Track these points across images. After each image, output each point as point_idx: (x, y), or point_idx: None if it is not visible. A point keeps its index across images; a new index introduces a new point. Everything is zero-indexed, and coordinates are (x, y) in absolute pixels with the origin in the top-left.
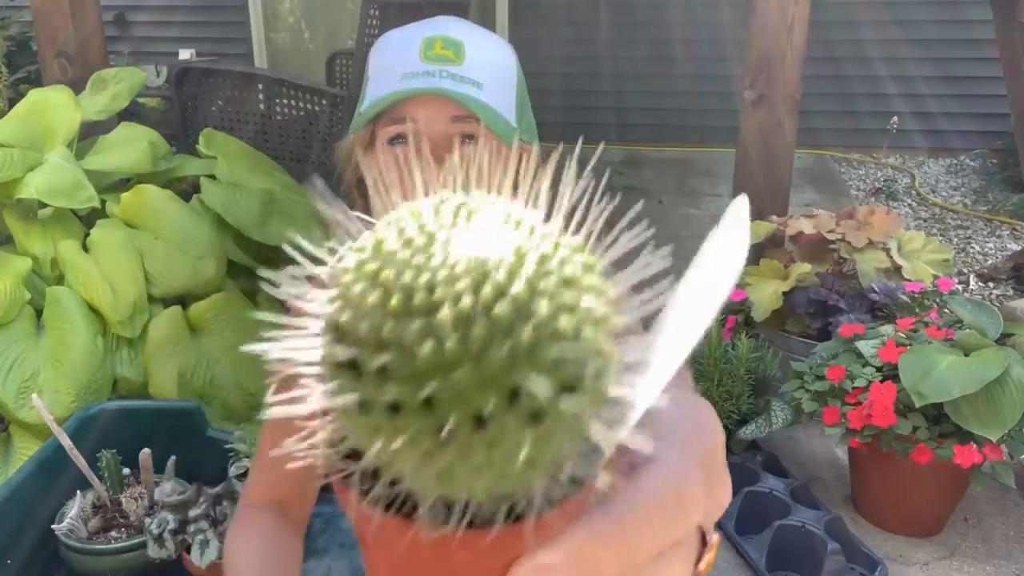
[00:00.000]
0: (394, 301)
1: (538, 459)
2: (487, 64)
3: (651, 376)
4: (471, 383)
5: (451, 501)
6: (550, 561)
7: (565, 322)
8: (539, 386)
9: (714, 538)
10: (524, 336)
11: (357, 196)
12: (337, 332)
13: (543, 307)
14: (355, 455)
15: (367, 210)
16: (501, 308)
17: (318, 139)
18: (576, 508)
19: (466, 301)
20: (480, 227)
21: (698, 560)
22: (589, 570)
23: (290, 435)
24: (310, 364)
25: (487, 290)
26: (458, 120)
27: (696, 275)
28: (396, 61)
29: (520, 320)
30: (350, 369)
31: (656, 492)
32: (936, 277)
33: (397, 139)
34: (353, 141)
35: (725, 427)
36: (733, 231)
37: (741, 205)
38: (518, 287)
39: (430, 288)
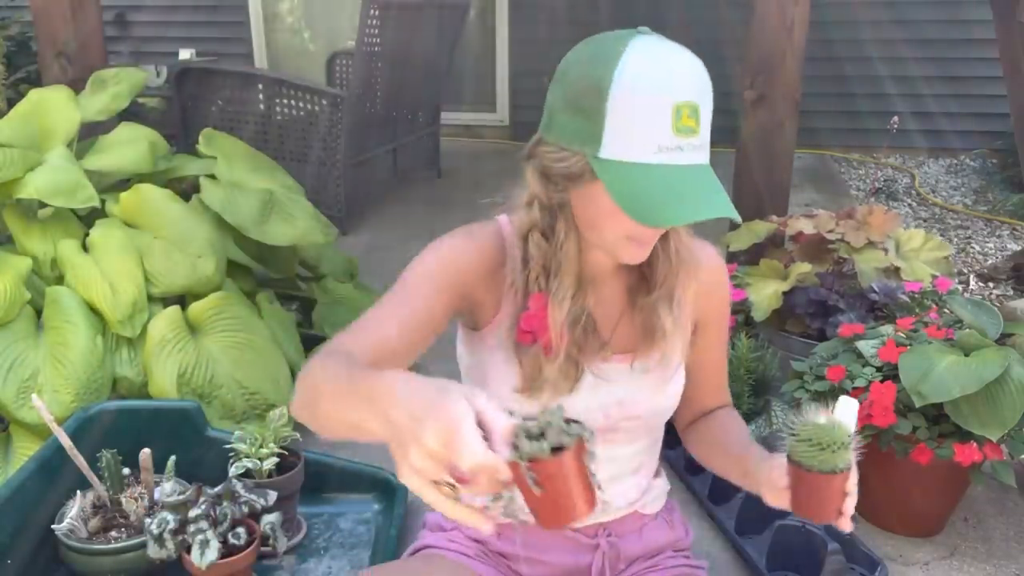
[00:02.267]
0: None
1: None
2: (708, 117)
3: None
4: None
5: None
6: None
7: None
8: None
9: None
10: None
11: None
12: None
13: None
14: None
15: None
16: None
17: (318, 139)
18: None
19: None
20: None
21: None
22: None
23: (405, 318)
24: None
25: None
26: None
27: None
28: (649, 124)
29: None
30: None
31: None
32: (934, 277)
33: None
34: (586, 170)
35: None
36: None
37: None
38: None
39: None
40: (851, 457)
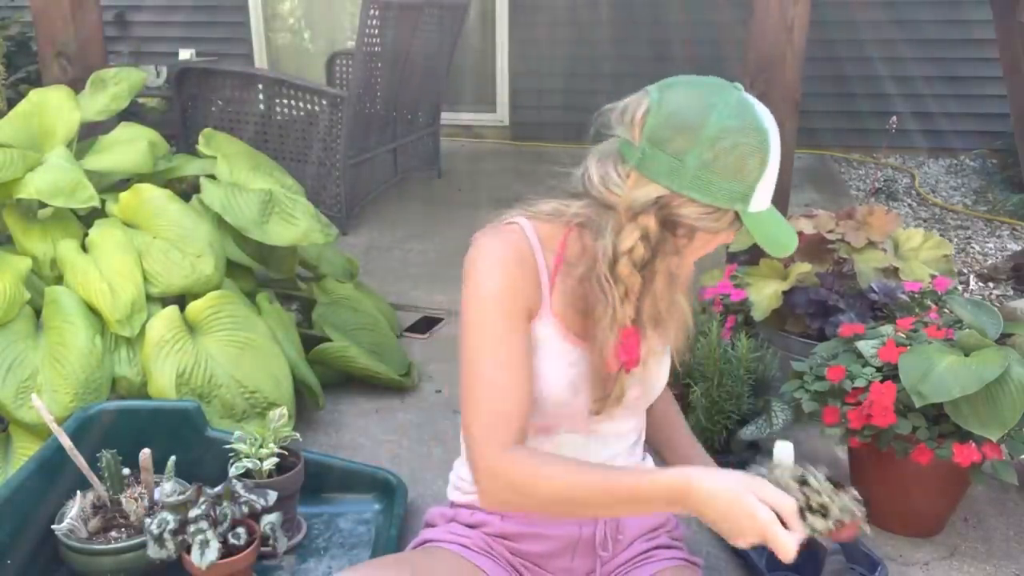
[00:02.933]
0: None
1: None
2: None
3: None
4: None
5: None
6: None
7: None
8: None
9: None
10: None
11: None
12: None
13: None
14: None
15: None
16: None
17: (318, 139)
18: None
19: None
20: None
21: None
22: None
23: (514, 365)
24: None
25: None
26: None
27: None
28: (761, 180)
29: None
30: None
31: None
32: (933, 277)
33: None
34: (723, 221)
35: (725, 427)
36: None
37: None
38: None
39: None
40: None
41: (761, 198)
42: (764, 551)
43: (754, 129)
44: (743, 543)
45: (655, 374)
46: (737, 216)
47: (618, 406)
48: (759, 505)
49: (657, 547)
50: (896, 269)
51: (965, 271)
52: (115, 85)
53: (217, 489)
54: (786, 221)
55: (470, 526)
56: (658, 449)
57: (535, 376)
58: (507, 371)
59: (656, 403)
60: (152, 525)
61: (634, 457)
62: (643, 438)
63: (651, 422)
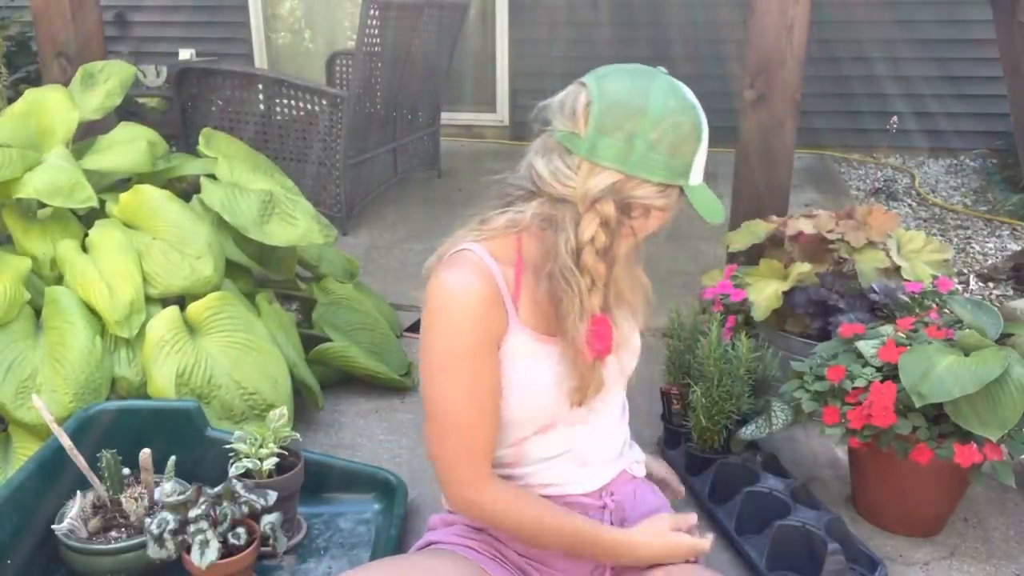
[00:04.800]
0: None
1: None
2: None
3: None
4: None
5: None
6: None
7: None
8: None
9: None
10: None
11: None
12: None
13: None
14: None
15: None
16: None
17: (318, 139)
18: None
19: None
20: None
21: None
22: None
23: (483, 403)
24: None
25: None
26: None
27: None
28: (697, 154)
29: None
30: None
31: None
32: (935, 277)
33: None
34: (670, 197)
35: (725, 427)
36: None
37: None
38: None
39: None
40: None
41: (697, 171)
42: (764, 550)
43: (690, 107)
44: (678, 560)
45: (627, 350)
46: (681, 191)
47: (599, 394)
48: (682, 535)
49: None
50: (898, 268)
51: (965, 271)
52: (104, 81)
53: (217, 489)
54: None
55: (475, 528)
56: None
57: (520, 385)
58: (476, 409)
59: None
60: (152, 525)
61: (623, 427)
62: (627, 408)
63: None
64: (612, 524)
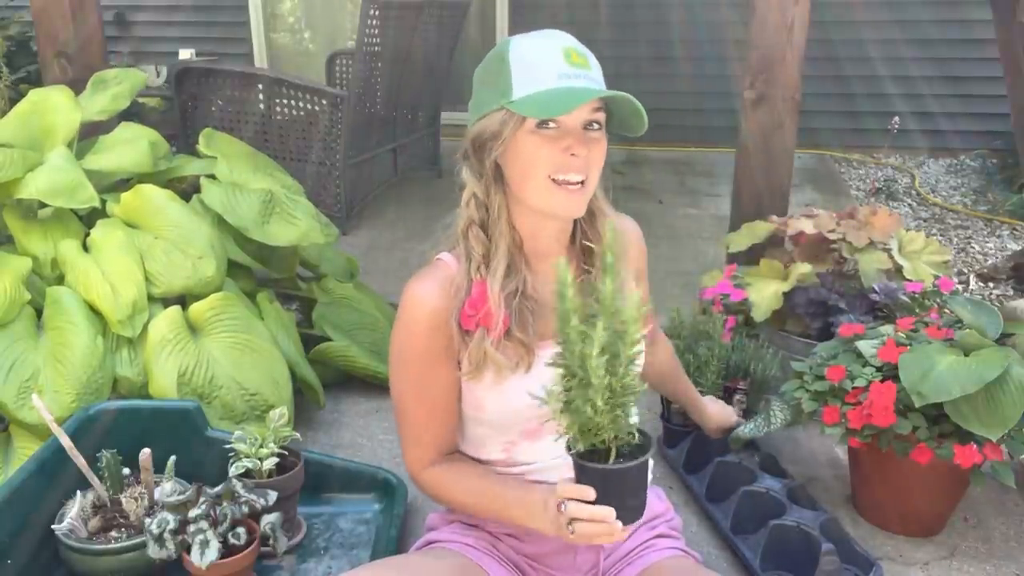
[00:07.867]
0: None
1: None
2: (597, 67)
3: None
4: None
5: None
6: None
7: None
8: None
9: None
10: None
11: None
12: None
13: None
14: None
15: (501, 183)
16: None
17: (318, 139)
18: None
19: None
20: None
21: None
22: None
23: (431, 403)
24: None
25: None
26: (594, 111)
27: None
28: (546, 63)
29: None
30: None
31: None
32: (936, 277)
33: (544, 124)
34: (507, 120)
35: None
36: None
37: None
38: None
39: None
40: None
41: (527, 82)
42: (758, 550)
43: (500, 46)
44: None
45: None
46: (520, 117)
47: (494, 375)
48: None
49: (658, 536)
50: (900, 268)
51: (965, 271)
52: (116, 86)
53: (217, 489)
54: (577, 87)
55: (473, 526)
56: (672, 397)
57: (495, 390)
58: (423, 408)
59: (665, 361)
60: (152, 525)
61: None
62: None
63: (662, 377)
64: None
